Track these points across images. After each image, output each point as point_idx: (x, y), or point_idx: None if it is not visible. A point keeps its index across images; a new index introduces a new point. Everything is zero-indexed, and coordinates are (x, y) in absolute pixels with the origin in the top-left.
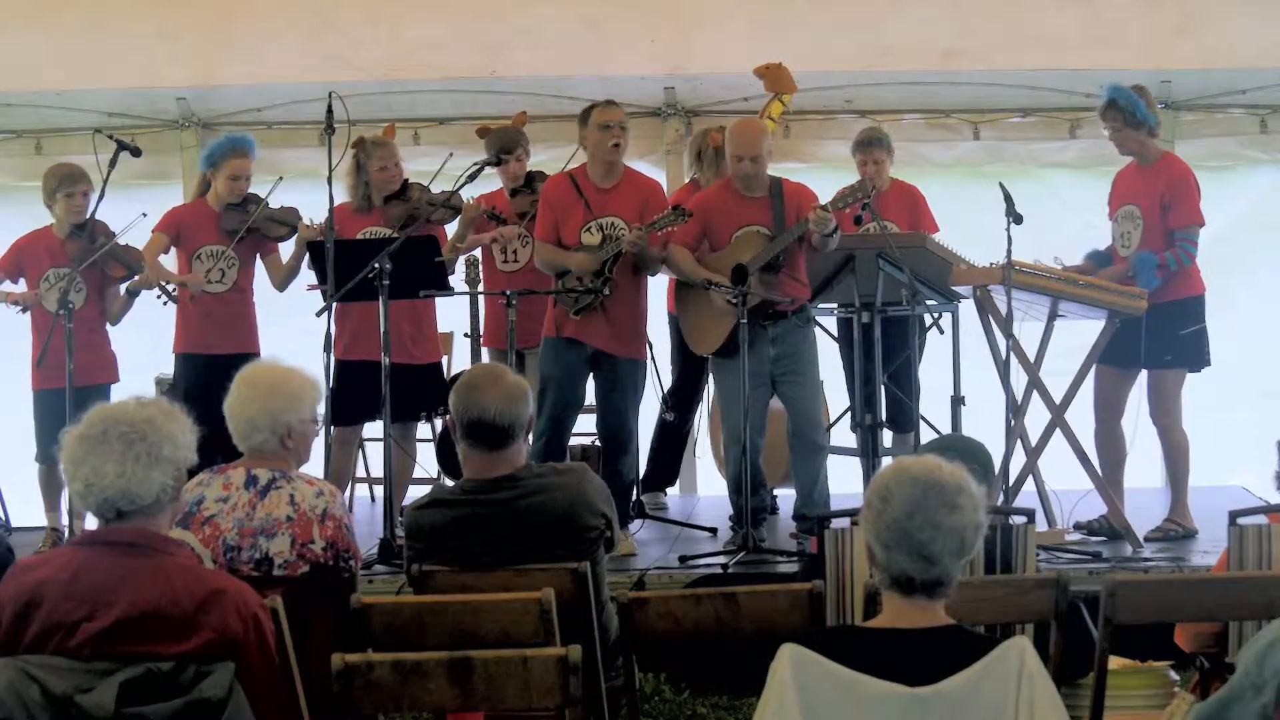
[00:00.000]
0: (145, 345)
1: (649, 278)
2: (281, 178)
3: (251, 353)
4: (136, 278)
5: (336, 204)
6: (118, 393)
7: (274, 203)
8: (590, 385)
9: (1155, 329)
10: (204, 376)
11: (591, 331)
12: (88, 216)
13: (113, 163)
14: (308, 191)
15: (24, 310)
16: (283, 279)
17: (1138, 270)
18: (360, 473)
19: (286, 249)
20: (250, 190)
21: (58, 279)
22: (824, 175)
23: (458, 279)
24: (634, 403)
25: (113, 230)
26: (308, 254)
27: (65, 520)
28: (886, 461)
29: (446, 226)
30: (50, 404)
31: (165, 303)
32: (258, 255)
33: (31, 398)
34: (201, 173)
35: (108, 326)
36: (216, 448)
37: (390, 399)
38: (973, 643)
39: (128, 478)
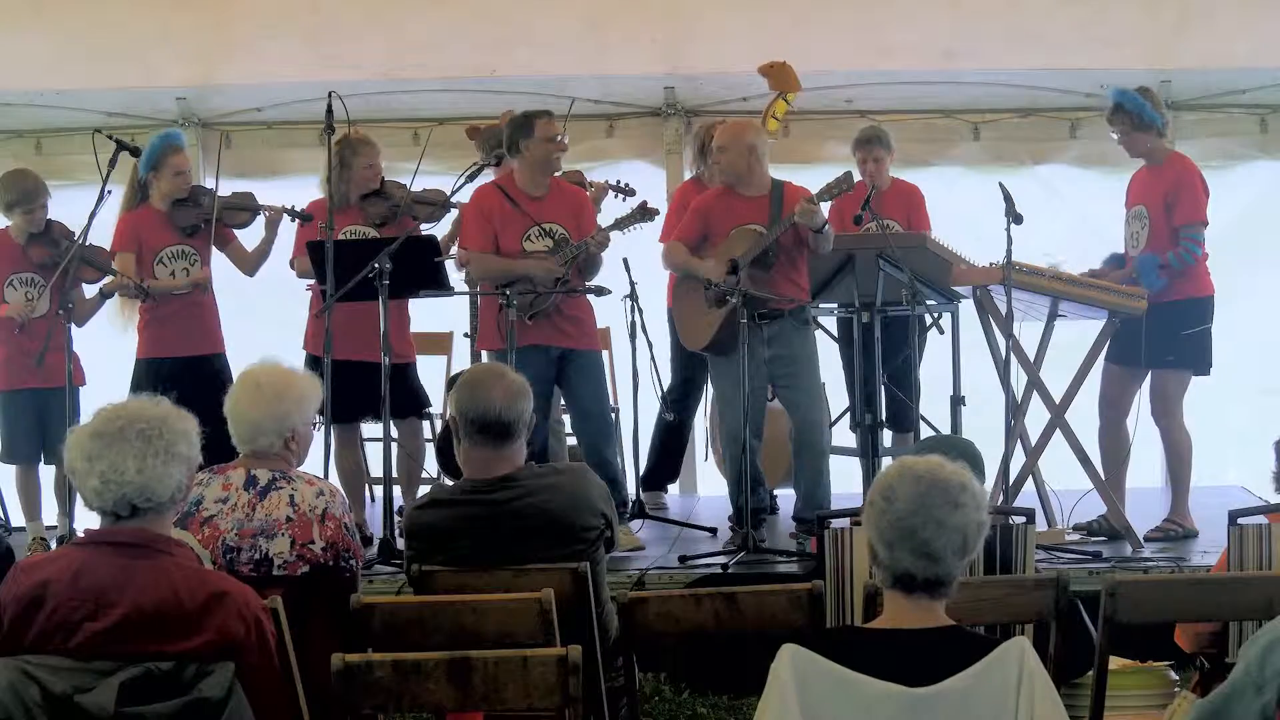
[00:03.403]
0: (126, 347)
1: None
2: (110, 191)
3: (216, 353)
4: (109, 279)
5: (311, 200)
6: (86, 395)
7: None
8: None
9: (1159, 329)
10: (170, 380)
11: (551, 334)
12: (49, 219)
13: (112, 162)
14: (307, 191)
15: (21, 324)
16: (253, 264)
17: (1141, 272)
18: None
19: (246, 236)
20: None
21: (22, 283)
22: (824, 175)
23: (457, 279)
24: (606, 391)
25: (73, 231)
26: (308, 255)
27: (60, 522)
28: (887, 461)
29: (435, 225)
30: (16, 404)
31: (144, 301)
32: (214, 249)
33: None
34: (135, 179)
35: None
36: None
37: (366, 398)
38: (973, 643)
39: (148, 474)
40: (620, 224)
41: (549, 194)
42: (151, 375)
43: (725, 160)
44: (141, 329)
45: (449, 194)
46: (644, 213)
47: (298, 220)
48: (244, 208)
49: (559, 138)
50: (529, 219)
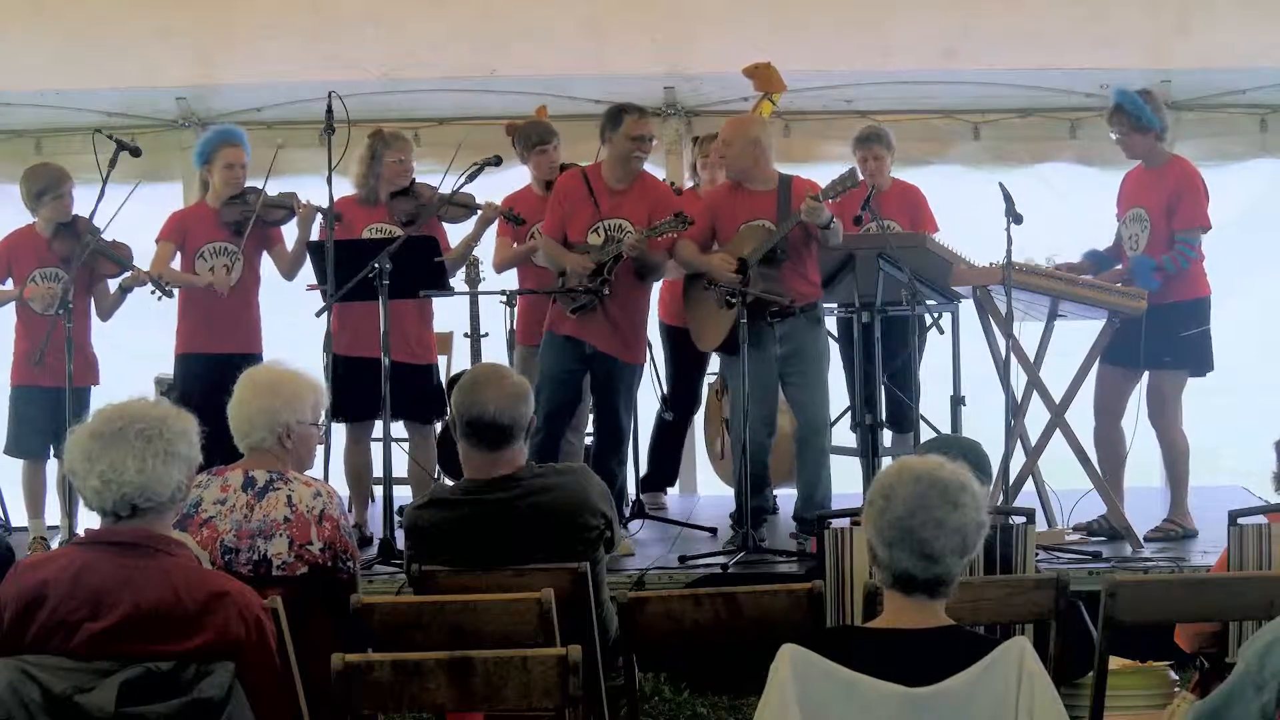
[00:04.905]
0: (142, 345)
1: (652, 283)
2: (140, 182)
3: (254, 353)
4: (129, 274)
5: (341, 195)
6: (98, 395)
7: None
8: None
9: (1157, 330)
10: (205, 378)
11: (590, 331)
12: (75, 214)
13: (112, 162)
14: (307, 191)
15: (45, 309)
16: (290, 266)
17: (1135, 274)
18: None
19: (289, 235)
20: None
21: (45, 278)
22: (824, 175)
23: (457, 279)
24: (628, 405)
25: (97, 226)
26: (307, 254)
27: (62, 522)
28: (887, 461)
29: (458, 225)
30: (29, 399)
31: (160, 298)
32: (263, 250)
33: (10, 393)
34: (199, 174)
35: (92, 326)
36: (216, 449)
37: (398, 397)
38: (973, 643)
39: (148, 474)
40: (655, 230)
41: (630, 189)
42: (191, 371)
43: (730, 155)
44: (179, 325)
45: (458, 191)
46: (678, 220)
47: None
48: (281, 205)
49: (646, 138)
50: (598, 213)
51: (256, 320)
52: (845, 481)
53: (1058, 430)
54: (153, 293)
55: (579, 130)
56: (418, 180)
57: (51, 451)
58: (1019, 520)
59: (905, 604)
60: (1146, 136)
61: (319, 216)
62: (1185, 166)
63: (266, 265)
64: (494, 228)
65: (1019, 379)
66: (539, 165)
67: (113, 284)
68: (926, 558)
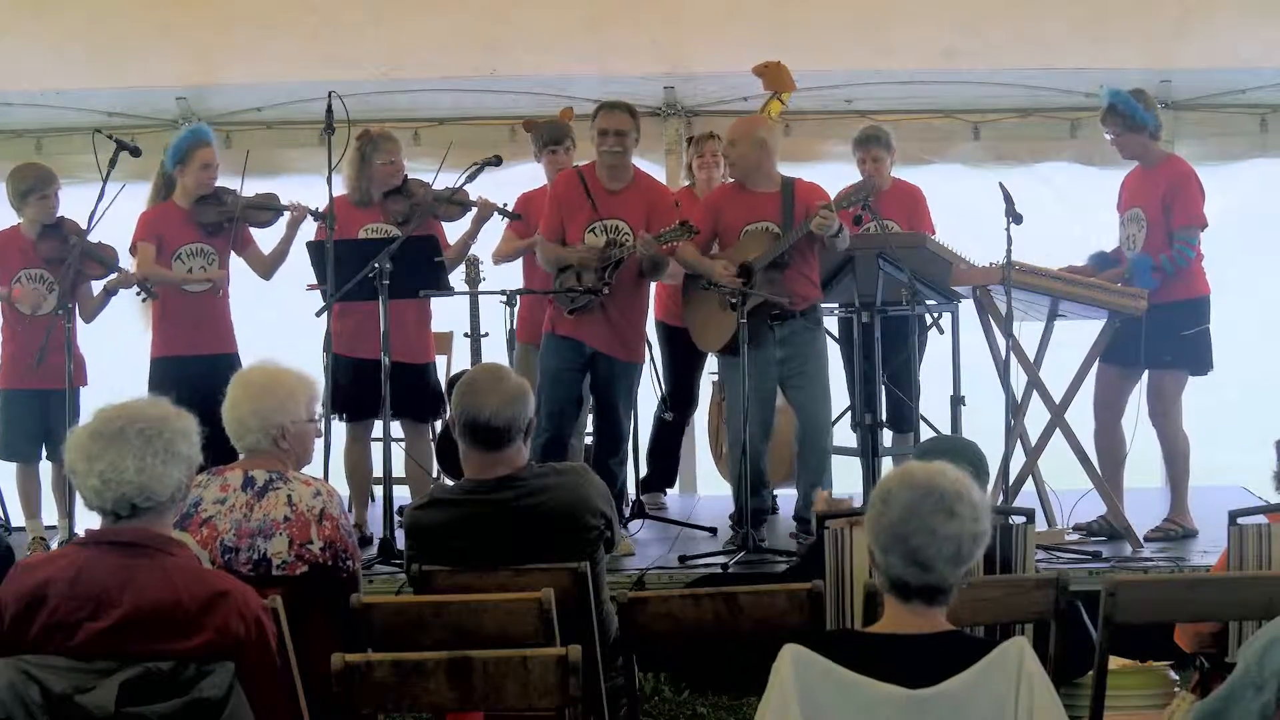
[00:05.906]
0: (139, 346)
1: (651, 282)
2: (104, 198)
3: (229, 353)
4: (115, 275)
5: (336, 196)
6: (87, 396)
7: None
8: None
9: (1157, 329)
10: (183, 380)
11: (589, 331)
12: (60, 215)
13: (112, 162)
14: (308, 191)
15: (34, 310)
16: (269, 267)
17: (1134, 273)
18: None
19: (267, 236)
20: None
21: (31, 279)
22: (824, 175)
23: (457, 279)
24: (627, 404)
25: (82, 227)
26: (308, 254)
27: (60, 522)
28: (887, 462)
29: (455, 223)
30: (18, 403)
31: (145, 299)
32: (232, 251)
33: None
34: (162, 175)
35: (79, 327)
36: (206, 449)
37: (395, 396)
38: (972, 648)
39: (147, 474)
40: (662, 238)
41: (626, 189)
42: (167, 374)
43: (735, 154)
44: (154, 328)
45: (453, 189)
46: (684, 229)
47: (320, 221)
48: (267, 207)
49: (609, 131)
50: (594, 213)
51: (230, 321)
52: (845, 481)
53: (1058, 430)
54: (138, 294)
55: (578, 131)
56: (410, 177)
57: (44, 453)
58: (1019, 520)
59: (903, 610)
60: (1140, 135)
61: (308, 217)
62: (1180, 165)
63: (237, 264)
64: (506, 222)
65: (1019, 379)
66: (549, 165)
67: (96, 285)
68: (919, 565)
